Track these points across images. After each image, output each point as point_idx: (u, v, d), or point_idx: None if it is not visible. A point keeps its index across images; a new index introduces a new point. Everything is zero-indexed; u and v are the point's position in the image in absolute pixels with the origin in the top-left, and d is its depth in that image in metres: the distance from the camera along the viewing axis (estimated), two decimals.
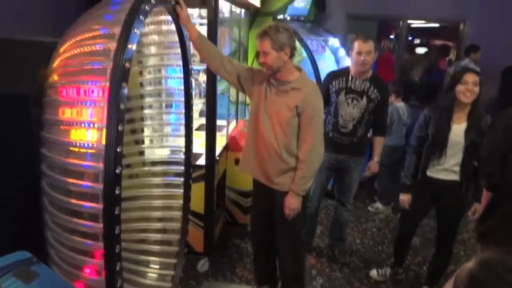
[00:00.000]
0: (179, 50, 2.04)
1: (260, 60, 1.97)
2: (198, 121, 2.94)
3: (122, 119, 1.45)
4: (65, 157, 1.55)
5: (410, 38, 6.17)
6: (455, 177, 2.30)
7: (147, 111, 2.21)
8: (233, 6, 3.05)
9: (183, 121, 2.18)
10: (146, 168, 2.24)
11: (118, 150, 1.44)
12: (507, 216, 1.77)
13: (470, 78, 2.16)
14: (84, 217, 1.54)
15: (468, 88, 2.16)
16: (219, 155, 2.87)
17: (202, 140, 2.74)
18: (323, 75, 3.18)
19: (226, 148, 3.12)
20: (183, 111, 2.16)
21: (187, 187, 2.23)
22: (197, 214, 2.75)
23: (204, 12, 2.60)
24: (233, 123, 3.52)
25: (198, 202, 2.67)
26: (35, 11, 2.29)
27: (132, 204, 2.19)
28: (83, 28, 1.64)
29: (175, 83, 2.17)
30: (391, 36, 6.45)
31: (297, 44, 2.45)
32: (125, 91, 1.46)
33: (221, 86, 2.94)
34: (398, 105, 3.65)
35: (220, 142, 2.96)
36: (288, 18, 4.18)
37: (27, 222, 1.74)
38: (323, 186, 2.90)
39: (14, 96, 1.61)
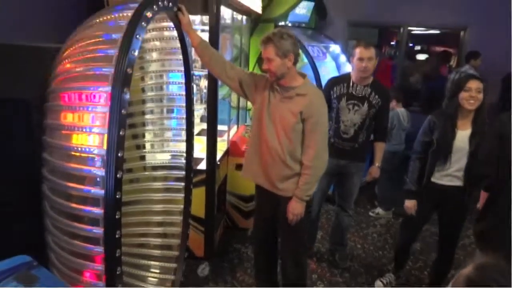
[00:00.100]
0: (180, 56, 2.06)
1: (264, 66, 1.98)
2: (199, 126, 2.95)
3: (123, 124, 1.47)
4: (66, 162, 1.57)
5: (410, 44, 6.19)
6: (458, 182, 2.30)
7: (148, 116, 2.23)
8: (234, 12, 3.07)
9: (184, 126, 2.19)
10: (147, 173, 2.25)
11: (119, 155, 1.45)
12: (500, 215, 1.80)
13: (473, 85, 2.17)
14: (84, 222, 1.55)
15: (472, 95, 2.17)
16: (220, 160, 2.88)
17: (203, 145, 2.75)
18: (324, 81, 3.20)
19: (227, 153, 3.13)
20: (184, 116, 2.18)
21: (187, 191, 2.24)
22: (198, 219, 2.75)
23: (206, 18, 2.62)
24: (234, 128, 3.53)
25: (198, 207, 2.67)
26: (38, 17, 2.32)
27: (133, 209, 2.20)
28: (85, 34, 1.66)
29: (177, 88, 2.18)
30: (392, 43, 6.48)
31: None
32: (127, 96, 1.47)
33: (222, 92, 2.96)
34: (398, 111, 3.67)
35: (221, 147, 2.97)
36: (290, 24, 4.21)
37: (28, 226, 1.75)
38: (324, 191, 2.90)
39: (17, 101, 1.64)
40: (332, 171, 2.75)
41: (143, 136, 2.25)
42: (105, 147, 1.45)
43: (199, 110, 3.03)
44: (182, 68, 2.09)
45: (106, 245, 1.50)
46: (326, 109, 2.06)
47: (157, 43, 2.11)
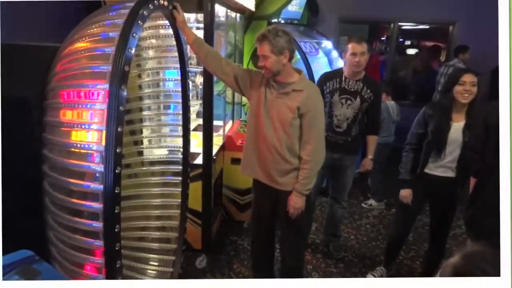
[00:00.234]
0: (176, 53, 2.09)
1: (259, 63, 1.99)
2: (195, 121, 2.98)
3: (121, 120, 1.51)
4: (66, 158, 1.60)
5: (400, 39, 6.25)
6: (452, 173, 2.34)
7: (145, 113, 2.26)
8: (228, 10, 3.10)
9: (180, 122, 2.23)
10: (145, 168, 2.29)
11: (117, 150, 1.49)
12: (488, 201, 1.83)
13: (468, 78, 2.20)
14: (84, 216, 1.59)
15: (466, 89, 2.20)
16: (216, 155, 2.92)
17: (199, 140, 2.79)
18: (316, 77, 3.24)
19: (222, 147, 3.17)
20: (181, 112, 2.21)
21: (185, 186, 2.28)
22: (195, 212, 2.79)
23: (200, 16, 2.65)
24: (229, 124, 3.57)
25: (195, 200, 2.71)
26: (38, 17, 2.34)
27: (132, 203, 2.23)
28: (83, 33, 1.69)
29: (173, 85, 2.22)
30: (382, 38, 6.54)
31: None
32: (124, 93, 1.51)
33: (217, 88, 2.99)
34: (388, 103, 3.74)
35: (217, 142, 3.01)
36: (282, 21, 4.25)
37: (30, 221, 1.78)
38: (318, 184, 2.95)
39: (17, 99, 1.66)
40: (326, 164, 2.77)
41: (141, 132, 2.28)
42: (103, 143, 1.49)
43: (195, 106, 3.06)
44: (178, 65, 2.13)
45: (106, 239, 1.54)
46: (322, 104, 2.09)
47: (153, 41, 2.14)
